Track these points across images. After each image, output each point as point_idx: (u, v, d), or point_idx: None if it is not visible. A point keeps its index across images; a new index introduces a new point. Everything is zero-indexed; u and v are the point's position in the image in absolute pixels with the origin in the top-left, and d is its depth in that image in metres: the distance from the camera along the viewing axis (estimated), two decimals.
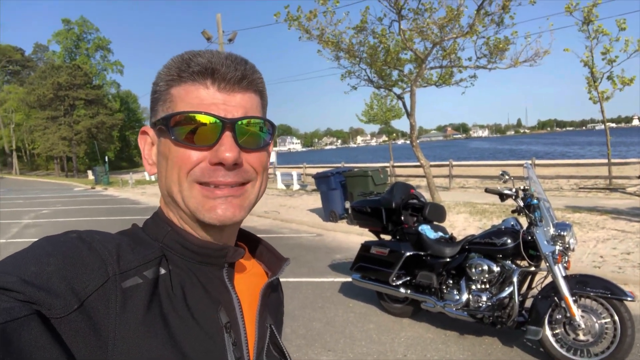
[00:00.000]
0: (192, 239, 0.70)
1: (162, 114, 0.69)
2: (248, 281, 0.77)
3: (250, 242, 0.87)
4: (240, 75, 0.68)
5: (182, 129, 0.66)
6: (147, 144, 0.75)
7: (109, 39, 59.17)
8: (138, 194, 22.39)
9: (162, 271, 0.65)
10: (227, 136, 0.66)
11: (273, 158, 26.14)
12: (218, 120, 0.65)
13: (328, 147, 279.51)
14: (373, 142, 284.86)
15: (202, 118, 0.65)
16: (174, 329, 0.61)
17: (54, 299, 0.51)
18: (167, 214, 0.73)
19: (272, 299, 0.83)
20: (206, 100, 0.66)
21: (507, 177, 4.09)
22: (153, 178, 28.81)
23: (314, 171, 16.59)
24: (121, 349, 0.55)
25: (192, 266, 0.69)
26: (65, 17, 55.77)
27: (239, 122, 0.67)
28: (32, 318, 0.48)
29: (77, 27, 56.01)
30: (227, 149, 0.65)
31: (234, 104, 0.67)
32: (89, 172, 39.47)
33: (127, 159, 64.17)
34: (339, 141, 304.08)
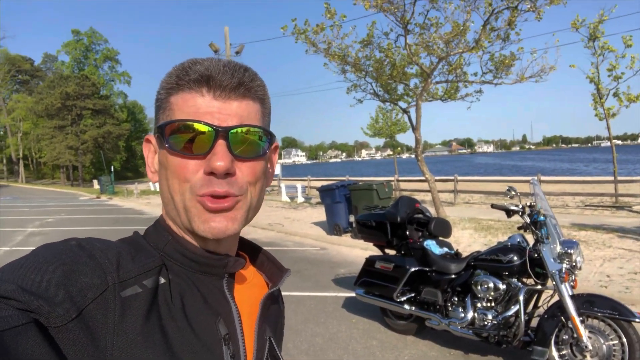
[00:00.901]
0: (193, 248, 0.70)
1: (160, 122, 0.69)
2: (248, 292, 0.76)
3: (251, 252, 0.86)
4: (237, 82, 0.67)
5: (177, 138, 0.65)
6: (151, 152, 0.75)
7: (117, 50, 59.90)
8: (143, 204, 22.43)
9: (162, 280, 0.64)
10: (220, 145, 0.64)
11: (278, 170, 26.16)
12: (211, 129, 0.64)
13: (333, 160, 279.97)
14: (378, 156, 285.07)
15: (197, 126, 0.65)
16: (172, 339, 0.60)
17: (53, 308, 0.51)
18: (168, 222, 0.73)
19: (272, 311, 0.82)
20: (202, 109, 0.65)
21: (513, 192, 4.05)
22: (158, 188, 28.87)
23: (318, 184, 16.57)
24: (119, 358, 0.55)
25: (192, 276, 0.68)
26: (75, 28, 56.58)
27: (233, 131, 0.65)
28: (29, 327, 0.48)
29: (86, 38, 56.69)
30: (218, 157, 0.63)
31: (229, 112, 0.66)
32: (95, 182, 39.55)
33: (132, 169, 64.45)
34: (344, 154, 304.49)
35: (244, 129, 0.67)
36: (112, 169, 33.39)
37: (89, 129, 44.45)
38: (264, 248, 0.87)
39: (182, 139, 0.65)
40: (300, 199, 19.15)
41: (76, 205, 24.18)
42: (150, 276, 0.62)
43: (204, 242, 0.70)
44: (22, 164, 60.81)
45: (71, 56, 56.66)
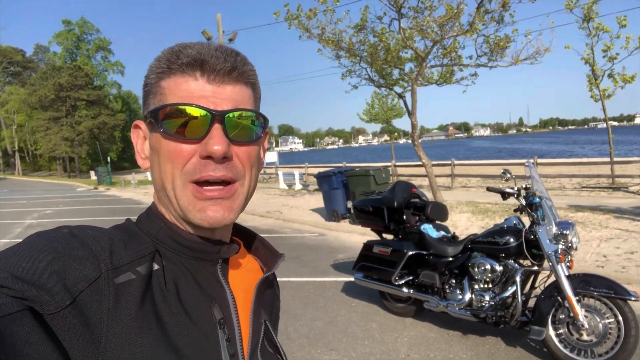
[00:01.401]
0: (185, 234, 0.69)
1: (152, 107, 0.68)
2: (243, 277, 0.76)
3: (245, 237, 0.86)
4: (230, 66, 0.66)
5: (171, 122, 0.65)
6: (140, 138, 0.74)
7: (109, 39, 59.25)
8: (140, 194, 22.41)
9: (156, 267, 0.64)
10: (217, 129, 0.64)
11: (275, 158, 26.11)
12: (207, 113, 0.64)
13: (330, 146, 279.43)
14: (375, 142, 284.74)
15: (191, 110, 0.64)
16: (167, 325, 0.60)
17: (46, 295, 0.51)
18: (160, 209, 0.72)
19: (267, 295, 0.82)
20: (195, 93, 0.65)
21: (508, 175, 4.07)
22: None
23: (315, 171, 16.57)
24: (114, 345, 0.55)
25: (185, 262, 0.68)
26: (66, 18, 55.82)
27: (229, 115, 0.65)
28: (24, 314, 0.48)
29: (78, 28, 55.94)
30: (216, 141, 0.63)
31: (224, 96, 0.66)
32: (92, 173, 39.50)
33: (129, 159, 64.18)
34: (341, 141, 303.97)
35: (239, 113, 0.67)
36: (109, 160, 33.26)
37: (84, 120, 44.20)
38: (259, 234, 0.88)
39: (177, 123, 0.64)
40: (298, 186, 19.16)
41: (74, 196, 24.15)
42: (144, 262, 0.62)
43: (197, 229, 0.70)
44: (18, 156, 60.60)
45: (63, 47, 55.98)
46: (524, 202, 3.94)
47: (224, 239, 0.75)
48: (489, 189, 4.28)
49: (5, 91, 58.19)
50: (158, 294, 0.62)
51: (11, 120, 56.90)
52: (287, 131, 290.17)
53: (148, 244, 0.66)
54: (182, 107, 0.64)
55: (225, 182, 0.66)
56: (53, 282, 0.52)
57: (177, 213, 0.68)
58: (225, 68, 0.66)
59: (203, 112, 0.64)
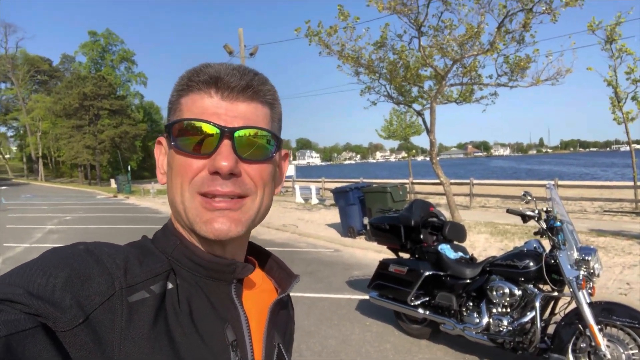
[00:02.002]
0: (201, 253, 0.69)
1: (168, 122, 0.70)
2: (257, 297, 0.76)
3: (260, 257, 0.86)
4: (245, 84, 0.67)
5: (183, 137, 0.66)
6: (162, 154, 0.75)
7: (133, 51, 60.64)
8: (159, 203, 22.66)
9: (170, 285, 0.64)
10: (225, 145, 0.65)
11: (292, 172, 26.22)
12: (217, 129, 0.65)
13: (347, 162, 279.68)
14: (392, 158, 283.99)
15: (202, 126, 0.65)
16: (179, 345, 0.60)
17: (60, 312, 0.51)
18: (176, 226, 0.73)
19: (281, 316, 0.81)
20: (209, 110, 0.66)
21: (529, 197, 4.00)
22: None
23: (332, 186, 16.57)
24: None
25: (200, 281, 0.68)
26: (92, 29, 57.38)
27: (239, 132, 0.66)
28: (37, 331, 0.48)
29: (103, 39, 57.49)
30: (223, 157, 0.64)
31: (236, 113, 0.67)
32: (112, 181, 40.10)
33: (149, 169, 65.08)
34: (358, 156, 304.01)
35: (250, 131, 0.67)
36: (129, 169, 33.79)
37: (106, 128, 45.08)
38: (274, 253, 0.87)
39: (188, 138, 0.66)
40: (314, 200, 19.16)
41: (93, 203, 24.53)
42: (158, 281, 0.62)
43: (209, 246, 0.70)
44: (42, 162, 61.89)
45: (88, 57, 57.51)
46: (544, 226, 3.86)
47: (238, 258, 0.75)
48: (509, 211, 4.21)
49: (31, 99, 59.74)
50: (171, 313, 0.62)
51: (36, 127, 58.30)
52: (304, 145, 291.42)
53: (163, 262, 0.66)
54: (193, 122, 0.66)
55: (233, 196, 0.67)
56: (67, 299, 0.52)
57: (187, 226, 0.69)
58: (240, 85, 0.67)
59: (213, 128, 0.65)
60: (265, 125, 0.70)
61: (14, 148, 79.53)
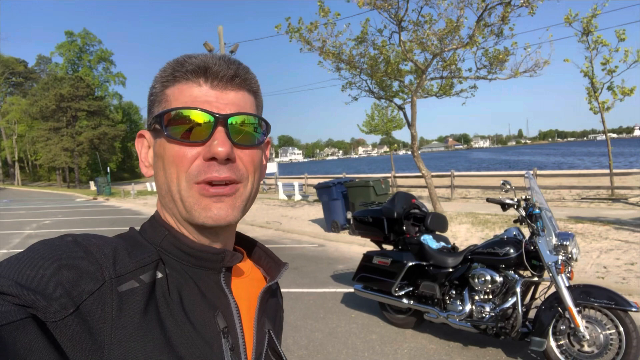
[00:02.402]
0: (190, 242, 0.70)
1: (158, 112, 0.70)
2: (247, 286, 0.76)
3: (248, 246, 0.86)
4: (233, 73, 0.69)
5: (175, 126, 0.66)
6: (144, 147, 0.75)
7: (111, 51, 59.72)
8: (140, 204, 22.39)
9: (159, 275, 0.64)
10: (220, 131, 0.66)
11: (274, 169, 26.18)
12: (211, 116, 0.66)
13: (329, 157, 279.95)
14: (374, 153, 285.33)
15: (195, 114, 0.66)
16: (170, 333, 0.60)
17: (50, 303, 0.51)
18: (164, 217, 0.73)
19: (271, 304, 0.82)
20: (199, 98, 0.67)
21: (508, 186, 4.08)
22: (155, 188, 28.86)
23: (315, 182, 16.58)
24: (117, 353, 0.55)
25: (189, 270, 0.69)
26: (69, 30, 56.33)
27: (232, 119, 0.67)
28: (27, 322, 0.48)
29: (80, 39, 56.54)
30: (219, 143, 0.65)
31: (227, 101, 0.68)
32: (91, 183, 39.50)
33: (129, 170, 64.29)
34: (341, 152, 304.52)
35: (242, 118, 0.69)
36: (109, 170, 33.28)
37: (84, 130, 44.37)
38: (261, 243, 0.88)
39: (181, 126, 0.66)
40: (297, 196, 19.16)
41: (73, 206, 24.11)
42: (147, 271, 0.63)
43: (201, 235, 0.71)
44: (18, 166, 60.62)
45: (65, 58, 56.51)
46: (523, 213, 3.94)
47: (229, 247, 0.76)
48: (488, 200, 4.29)
49: (6, 101, 58.39)
50: (161, 302, 0.62)
51: (12, 130, 57.05)
52: (287, 142, 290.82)
53: (152, 253, 0.66)
54: (186, 111, 0.66)
55: (228, 182, 0.68)
56: (56, 290, 0.52)
57: (182, 215, 0.69)
58: (228, 74, 0.68)
59: (206, 116, 0.66)
60: (252, 112, 0.72)
61: None
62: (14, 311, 0.48)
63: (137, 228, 0.75)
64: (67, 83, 44.31)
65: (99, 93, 53.77)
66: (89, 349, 0.53)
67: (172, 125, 0.66)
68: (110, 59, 59.64)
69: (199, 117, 0.66)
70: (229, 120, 0.67)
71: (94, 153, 44.89)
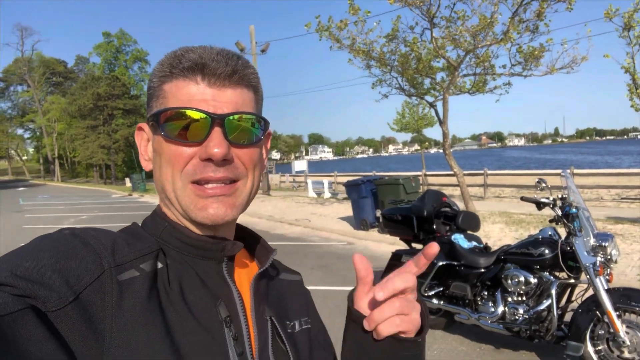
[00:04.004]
0: (190, 233, 0.70)
1: (154, 110, 0.69)
2: (250, 275, 0.76)
3: (248, 238, 0.85)
4: (231, 70, 0.67)
5: (172, 126, 0.66)
6: (144, 140, 0.75)
7: (146, 50, 61.13)
8: None
9: (159, 265, 0.64)
10: (217, 132, 0.65)
11: (304, 166, 26.22)
12: (207, 116, 0.65)
13: (360, 155, 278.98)
14: (405, 151, 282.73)
15: (192, 114, 0.65)
16: (171, 322, 0.60)
17: (49, 293, 0.51)
18: (164, 210, 0.74)
19: (272, 291, 0.80)
20: (196, 97, 0.66)
21: (543, 184, 3.95)
22: None
23: (345, 179, 16.54)
24: (118, 341, 0.55)
25: (190, 260, 0.69)
26: (106, 30, 57.97)
27: (229, 118, 0.66)
28: (26, 312, 0.48)
29: (117, 40, 58.03)
30: (215, 144, 0.64)
31: (224, 99, 0.67)
32: (127, 180, 40.52)
33: None
34: (371, 150, 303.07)
35: (239, 116, 0.68)
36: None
37: (120, 128, 45.58)
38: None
39: (177, 126, 0.66)
40: (327, 194, 19.17)
41: (109, 202, 24.84)
42: (147, 260, 0.63)
43: (201, 227, 0.71)
44: (58, 163, 62.76)
45: (102, 58, 58.13)
46: (559, 213, 3.81)
47: (228, 238, 0.75)
48: (523, 199, 4.17)
49: (47, 100, 60.58)
50: (162, 291, 0.62)
51: (52, 128, 59.13)
52: (317, 140, 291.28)
53: (151, 243, 0.66)
54: (183, 110, 0.65)
55: (226, 181, 0.67)
56: (55, 279, 0.52)
57: (180, 213, 0.70)
58: (225, 72, 0.67)
59: (203, 116, 0.65)
60: (251, 108, 0.71)
61: (30, 150, 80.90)
62: (13, 302, 0.48)
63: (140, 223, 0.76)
64: (104, 82, 45.65)
65: (134, 92, 55.11)
66: (90, 337, 0.53)
67: (169, 125, 0.66)
68: (146, 59, 61.00)
69: (195, 116, 0.65)
70: (226, 120, 0.66)
71: (129, 150, 46.10)
